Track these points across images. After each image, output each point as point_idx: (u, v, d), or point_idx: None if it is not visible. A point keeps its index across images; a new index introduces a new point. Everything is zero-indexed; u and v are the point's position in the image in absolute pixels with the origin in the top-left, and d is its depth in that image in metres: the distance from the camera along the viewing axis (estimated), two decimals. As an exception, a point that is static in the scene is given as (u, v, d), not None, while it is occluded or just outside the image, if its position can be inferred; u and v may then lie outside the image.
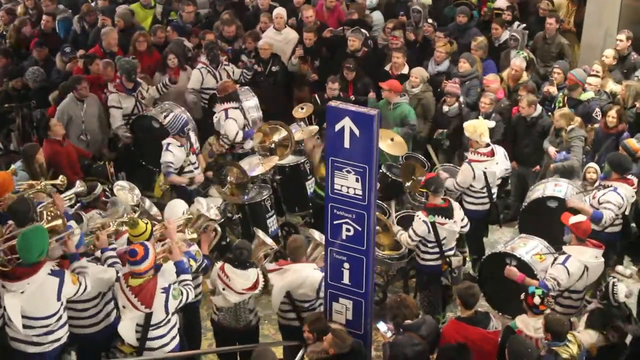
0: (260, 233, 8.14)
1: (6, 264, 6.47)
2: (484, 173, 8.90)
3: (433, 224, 8.04)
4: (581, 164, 9.59)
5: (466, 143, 9.46)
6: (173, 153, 9.20)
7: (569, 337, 6.65)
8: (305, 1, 12.90)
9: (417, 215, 8.15)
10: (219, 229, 8.02)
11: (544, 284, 7.39)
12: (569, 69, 11.04)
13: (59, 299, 6.53)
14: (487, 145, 8.92)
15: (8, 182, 7.67)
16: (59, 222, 6.80)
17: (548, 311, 6.91)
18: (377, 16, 12.91)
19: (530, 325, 6.87)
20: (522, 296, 6.99)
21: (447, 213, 8.13)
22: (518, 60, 11.00)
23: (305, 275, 7.30)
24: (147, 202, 8.18)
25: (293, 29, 12.18)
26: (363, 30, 11.82)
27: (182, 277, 6.85)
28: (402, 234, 8.33)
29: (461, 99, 10.53)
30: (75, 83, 10.27)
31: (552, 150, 9.70)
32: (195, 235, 7.35)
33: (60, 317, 6.63)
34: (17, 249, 6.44)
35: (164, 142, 9.28)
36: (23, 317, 6.45)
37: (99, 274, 6.84)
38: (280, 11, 12.07)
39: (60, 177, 8.07)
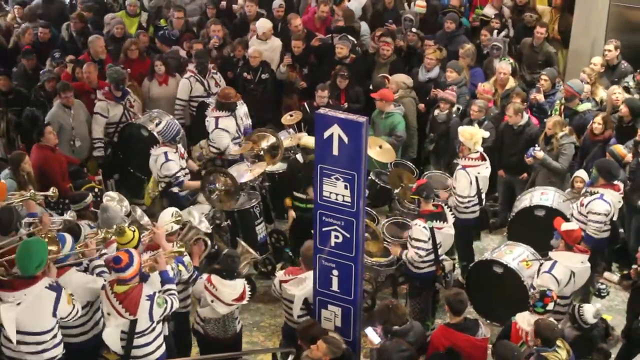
0: (243, 242, 8.14)
1: (4, 273, 6.43)
2: (476, 178, 8.91)
3: (432, 229, 8.04)
4: (566, 170, 9.66)
5: (455, 149, 9.47)
6: (175, 161, 9.21)
7: (559, 342, 6.67)
8: (287, 9, 12.92)
9: (416, 224, 8.09)
10: (209, 241, 7.99)
11: None
12: (557, 75, 11.11)
13: (54, 314, 6.44)
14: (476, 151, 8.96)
15: (0, 192, 7.65)
16: (54, 247, 6.72)
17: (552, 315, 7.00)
18: (362, 27, 12.91)
19: (525, 320, 6.93)
20: (537, 295, 6.98)
21: (442, 217, 8.15)
22: (504, 63, 11.05)
23: None
24: (139, 212, 8.17)
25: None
26: (350, 37, 11.85)
27: (167, 286, 6.82)
28: (408, 252, 8.18)
29: (455, 108, 10.52)
30: (62, 90, 10.28)
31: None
32: (183, 249, 7.30)
33: (55, 335, 6.54)
34: (16, 259, 6.38)
35: (160, 152, 9.21)
36: (18, 332, 6.37)
37: (88, 284, 6.81)
38: (264, 23, 12.10)
39: (52, 188, 8.02)
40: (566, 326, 7.21)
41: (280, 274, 7.63)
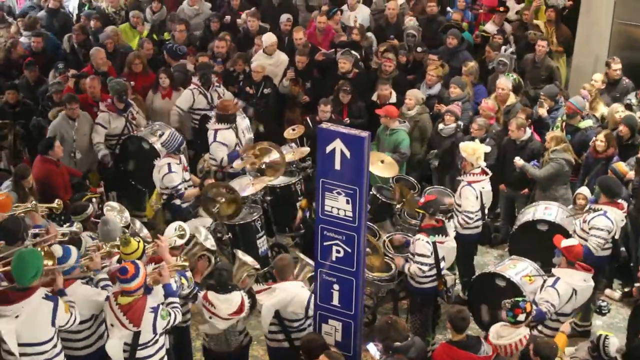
0: (240, 253, 8.08)
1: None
2: (480, 193, 8.89)
3: (434, 244, 8.04)
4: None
5: (458, 165, 9.47)
6: (177, 173, 9.22)
7: (557, 361, 6.65)
8: (293, 24, 12.97)
9: (419, 239, 8.08)
10: (213, 259, 7.94)
11: (539, 310, 7.38)
12: (558, 92, 11.12)
13: (53, 324, 6.44)
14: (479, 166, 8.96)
15: (5, 204, 7.65)
16: (49, 262, 6.71)
17: (523, 327, 6.95)
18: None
19: (494, 332, 6.93)
20: (509, 305, 6.96)
21: (443, 231, 8.16)
22: (503, 79, 11.04)
23: (293, 292, 7.23)
24: (138, 224, 8.16)
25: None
26: (353, 52, 11.88)
27: (170, 299, 6.80)
28: (410, 266, 8.19)
29: (459, 122, 10.54)
30: (67, 102, 10.30)
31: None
32: (186, 264, 7.29)
33: (55, 345, 6.54)
34: (12, 269, 6.39)
35: (164, 162, 9.24)
36: (19, 344, 6.35)
37: (92, 297, 6.80)
38: (269, 37, 12.14)
39: (57, 201, 8.02)
40: (584, 348, 7.16)
41: (256, 286, 7.57)
